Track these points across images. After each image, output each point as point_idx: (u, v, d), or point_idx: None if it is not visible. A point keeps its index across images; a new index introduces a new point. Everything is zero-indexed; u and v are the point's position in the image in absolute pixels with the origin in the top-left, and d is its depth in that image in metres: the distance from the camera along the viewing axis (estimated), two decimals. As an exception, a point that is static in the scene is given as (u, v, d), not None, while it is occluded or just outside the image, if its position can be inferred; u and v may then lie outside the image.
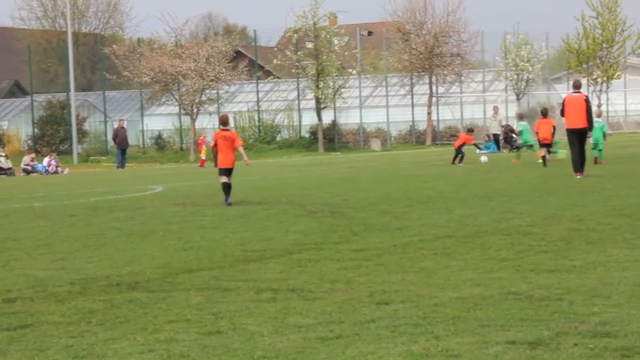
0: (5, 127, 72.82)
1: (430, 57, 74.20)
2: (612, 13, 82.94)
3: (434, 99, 75.16)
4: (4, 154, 55.01)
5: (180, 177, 40.41)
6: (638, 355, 7.22)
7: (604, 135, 37.12)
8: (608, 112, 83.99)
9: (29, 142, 70.09)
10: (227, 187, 23.79)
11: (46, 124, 71.11)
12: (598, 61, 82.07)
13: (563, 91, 77.74)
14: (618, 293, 9.68)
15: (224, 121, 25.12)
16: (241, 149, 24.36)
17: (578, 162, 28.08)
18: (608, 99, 79.55)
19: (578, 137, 28.24)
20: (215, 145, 24.49)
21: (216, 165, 24.83)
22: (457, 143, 42.97)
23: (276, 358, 7.65)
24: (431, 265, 12.08)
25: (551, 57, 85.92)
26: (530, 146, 43.73)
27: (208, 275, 12.20)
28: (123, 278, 12.17)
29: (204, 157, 56.17)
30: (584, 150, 29.15)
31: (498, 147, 55.38)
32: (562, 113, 29.25)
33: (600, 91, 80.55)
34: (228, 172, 23.84)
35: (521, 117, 48.81)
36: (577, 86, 30.03)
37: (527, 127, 45.94)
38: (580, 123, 28.26)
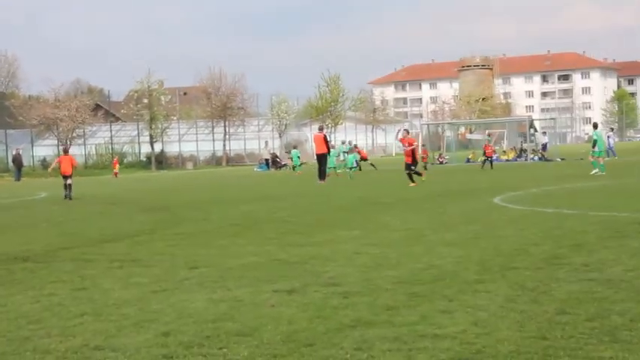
0: None
1: (224, 109, 74.40)
2: (336, 84, 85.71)
3: (227, 136, 75.23)
4: None
5: (58, 187, 38.76)
6: (353, 296, 7.35)
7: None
8: (335, 144, 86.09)
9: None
10: (68, 187, 26.22)
11: (-36, 151, 68.12)
12: (329, 113, 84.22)
13: (307, 131, 79.75)
14: (342, 258, 9.85)
15: (65, 150, 30.29)
16: (75, 166, 27.99)
17: (321, 173, 29.80)
18: (335, 137, 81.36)
19: (321, 158, 30.88)
20: (59, 162, 28.02)
21: (61, 174, 27.25)
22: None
23: (123, 304, 7.44)
24: (225, 243, 11.99)
25: (300, 110, 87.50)
26: (295, 167, 44.79)
27: (77, 251, 11.77)
28: (18, 254, 11.59)
29: (117, 171, 56.49)
30: (326, 166, 30.93)
31: (268, 167, 55.77)
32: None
33: (331, 132, 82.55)
34: (68, 177, 26.47)
35: (294, 146, 49.83)
36: (320, 128, 34.40)
37: (298, 153, 46.79)
38: (322, 150, 30.58)
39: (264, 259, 10.11)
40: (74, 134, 67.06)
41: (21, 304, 7.73)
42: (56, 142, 68.62)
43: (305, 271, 8.94)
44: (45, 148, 73.06)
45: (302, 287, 7.91)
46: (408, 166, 26.38)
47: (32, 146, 72.63)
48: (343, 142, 49.21)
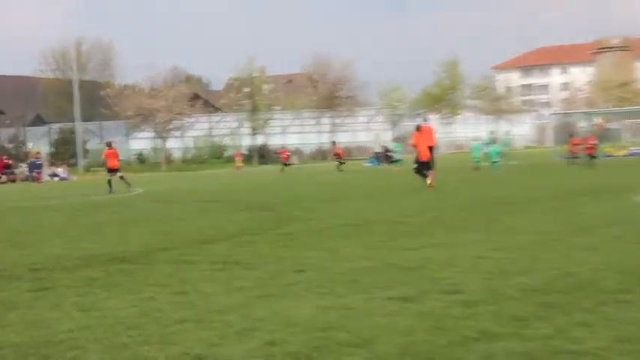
0: (31, 147, 71.56)
1: (331, 98, 74.72)
2: (455, 70, 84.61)
3: (334, 127, 75.50)
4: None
5: (154, 183, 39.91)
6: (477, 305, 7.24)
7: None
8: (455, 137, 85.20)
9: (48, 158, 69.11)
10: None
11: (59, 144, 70.80)
12: (446, 102, 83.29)
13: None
14: (463, 263, 9.72)
15: (109, 144, 32.52)
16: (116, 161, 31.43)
17: (431, 169, 29.43)
18: (454, 128, 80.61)
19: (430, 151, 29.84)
20: (106, 157, 31.31)
21: (109, 169, 30.97)
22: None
23: (226, 310, 7.54)
24: (333, 245, 12.01)
25: (414, 99, 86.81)
26: (399, 160, 44.43)
27: (176, 252, 12.03)
28: (115, 255, 11.95)
29: (241, 165, 61.10)
30: (434, 160, 30.34)
31: (379, 161, 55.77)
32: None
33: (448, 123, 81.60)
34: (115, 171, 30.54)
35: (397, 139, 49.67)
36: (425, 119, 35.44)
37: (400, 147, 46.49)
38: (430, 142, 29.97)
39: (376, 263, 10.06)
40: (171, 126, 68.38)
41: (118, 308, 7.94)
42: (153, 134, 70.40)
43: (422, 277, 8.84)
44: (141, 141, 75.33)
45: (419, 295, 7.83)
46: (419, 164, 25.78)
47: (128, 139, 75.11)
48: (492, 132, 48.95)
